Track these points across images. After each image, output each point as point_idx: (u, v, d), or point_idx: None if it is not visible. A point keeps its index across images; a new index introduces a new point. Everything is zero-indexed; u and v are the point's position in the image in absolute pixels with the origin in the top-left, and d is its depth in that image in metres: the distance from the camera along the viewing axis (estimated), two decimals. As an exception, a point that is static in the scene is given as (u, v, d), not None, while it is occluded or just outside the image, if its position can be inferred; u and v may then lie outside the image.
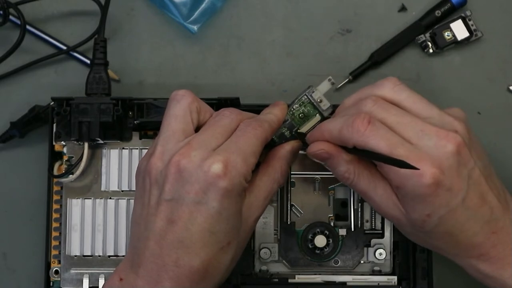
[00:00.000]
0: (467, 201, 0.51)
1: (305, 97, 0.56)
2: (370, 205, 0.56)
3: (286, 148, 0.56)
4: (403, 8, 0.67)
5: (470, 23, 0.66)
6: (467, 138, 0.51)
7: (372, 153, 0.50)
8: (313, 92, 0.56)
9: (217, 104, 0.59)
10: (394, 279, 0.61)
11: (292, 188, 0.62)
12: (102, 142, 0.60)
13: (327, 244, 0.61)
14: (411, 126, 0.51)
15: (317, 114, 0.56)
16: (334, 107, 0.57)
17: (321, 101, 0.56)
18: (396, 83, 0.53)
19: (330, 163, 0.54)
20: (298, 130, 0.56)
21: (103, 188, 0.61)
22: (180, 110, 0.53)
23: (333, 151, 0.53)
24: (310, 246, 0.61)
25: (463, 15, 0.66)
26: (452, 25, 0.66)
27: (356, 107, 0.53)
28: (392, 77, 0.53)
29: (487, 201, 0.52)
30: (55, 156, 0.61)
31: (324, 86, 0.56)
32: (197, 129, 0.53)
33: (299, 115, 0.56)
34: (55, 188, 0.61)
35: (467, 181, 0.51)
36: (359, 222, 0.61)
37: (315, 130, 0.55)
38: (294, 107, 0.56)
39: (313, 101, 0.56)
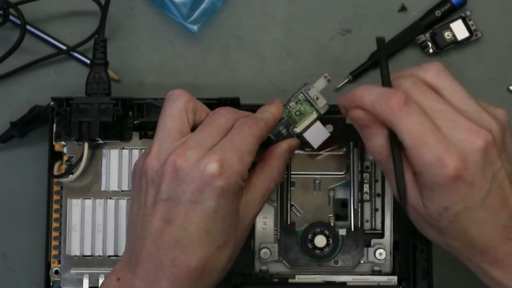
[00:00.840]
0: (487, 201, 0.49)
1: (301, 94, 0.56)
2: (392, 187, 0.53)
3: (283, 146, 0.56)
4: (403, 8, 0.67)
5: (470, 23, 0.66)
6: (499, 139, 0.50)
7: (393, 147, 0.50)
8: (309, 89, 0.56)
9: (217, 104, 0.59)
10: (394, 279, 0.61)
11: (292, 188, 0.62)
12: (102, 142, 0.60)
13: (327, 244, 0.61)
14: (444, 115, 0.49)
15: (314, 112, 0.56)
16: (331, 106, 0.57)
17: (317, 98, 0.56)
18: (441, 69, 0.51)
19: (367, 133, 0.51)
20: (294, 128, 0.56)
21: (103, 188, 0.61)
22: (176, 110, 0.53)
23: (375, 121, 0.50)
24: (310, 246, 0.61)
25: (463, 15, 0.66)
26: (452, 25, 0.66)
27: (397, 81, 0.51)
28: (438, 62, 0.52)
29: (508, 205, 0.50)
30: (55, 156, 0.61)
31: (320, 83, 0.56)
32: (193, 128, 0.53)
33: (295, 112, 0.56)
34: (55, 188, 0.61)
35: (491, 181, 0.49)
36: (359, 222, 0.61)
37: (348, 94, 0.52)
38: (290, 105, 0.56)
39: (309, 98, 0.56)
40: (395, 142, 0.50)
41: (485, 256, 0.51)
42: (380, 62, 0.52)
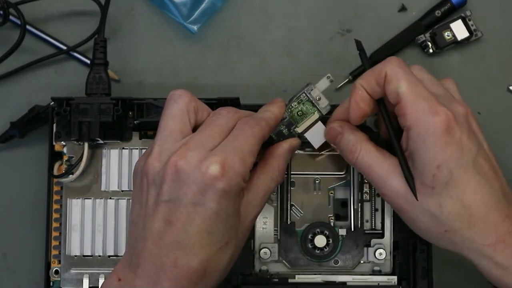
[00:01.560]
0: (478, 165, 0.51)
1: (304, 95, 0.56)
2: (372, 183, 0.55)
3: (284, 146, 0.56)
4: (403, 8, 0.67)
5: (470, 23, 0.66)
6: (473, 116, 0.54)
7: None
8: (311, 90, 0.56)
9: (217, 104, 0.59)
10: (394, 279, 0.61)
11: (292, 188, 0.62)
12: (102, 142, 0.60)
13: (327, 244, 0.61)
14: (429, 82, 0.53)
15: (316, 112, 0.56)
16: (333, 106, 0.57)
17: (319, 99, 0.56)
18: (401, 62, 0.54)
19: (340, 139, 0.55)
20: (296, 128, 0.56)
21: (103, 188, 0.61)
22: (177, 110, 0.53)
23: (345, 125, 0.55)
24: (310, 246, 0.61)
25: (463, 15, 0.66)
26: (452, 25, 0.66)
27: (379, 66, 0.54)
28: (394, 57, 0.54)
29: (498, 175, 0.52)
30: (55, 156, 0.61)
31: (323, 83, 0.56)
32: (195, 128, 0.53)
33: (297, 112, 0.56)
34: (55, 188, 0.61)
35: (477, 147, 0.52)
36: (359, 222, 0.61)
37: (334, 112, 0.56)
38: (292, 105, 0.56)
39: (311, 99, 0.56)
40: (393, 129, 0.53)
41: (487, 236, 0.51)
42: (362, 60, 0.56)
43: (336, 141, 0.56)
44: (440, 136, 0.50)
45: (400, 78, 0.52)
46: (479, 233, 0.51)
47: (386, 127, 0.54)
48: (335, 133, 0.56)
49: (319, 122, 0.57)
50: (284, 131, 0.56)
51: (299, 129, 0.56)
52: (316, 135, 0.57)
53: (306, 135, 0.57)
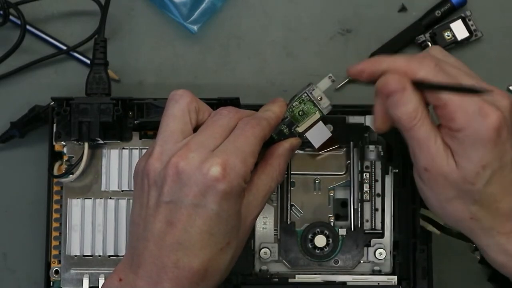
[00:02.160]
0: None
1: (305, 94, 0.56)
2: (417, 157, 0.52)
3: (285, 146, 0.56)
4: (403, 8, 0.67)
5: (470, 23, 0.66)
6: None
7: (442, 85, 0.50)
8: (313, 90, 0.56)
9: (217, 104, 0.59)
10: (394, 279, 0.61)
11: (292, 188, 0.62)
12: (102, 142, 0.60)
13: (327, 244, 0.61)
14: (470, 77, 0.51)
15: (317, 112, 0.56)
16: (334, 107, 0.57)
17: (321, 99, 0.56)
18: (441, 49, 0.54)
19: (398, 99, 0.51)
20: (297, 128, 0.56)
21: (103, 188, 0.61)
22: (179, 110, 0.53)
23: (406, 84, 0.51)
24: (310, 246, 0.61)
25: (463, 15, 0.66)
26: (452, 25, 0.66)
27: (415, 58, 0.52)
28: (435, 46, 0.54)
29: None
30: (55, 156, 0.61)
31: (325, 83, 0.56)
32: (196, 129, 0.53)
33: (298, 112, 0.56)
34: (55, 188, 0.61)
35: None
36: (359, 222, 0.61)
37: (367, 63, 0.53)
38: (293, 105, 0.56)
39: (313, 99, 0.56)
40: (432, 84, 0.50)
41: (504, 224, 0.52)
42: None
43: (392, 98, 0.51)
44: (491, 138, 0.50)
45: (441, 74, 0.50)
46: (500, 223, 0.52)
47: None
48: (392, 89, 0.51)
49: (320, 122, 0.56)
50: (285, 130, 0.56)
51: (300, 129, 0.56)
52: (316, 135, 0.57)
53: (307, 134, 0.57)
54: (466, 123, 0.50)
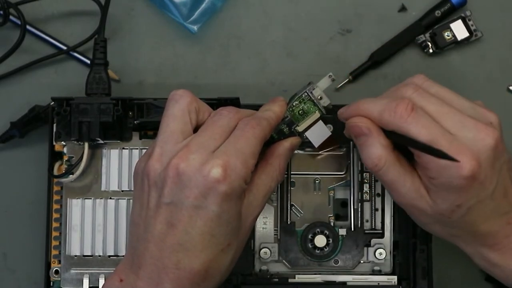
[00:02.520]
0: (494, 194, 0.51)
1: (306, 94, 0.56)
2: (391, 195, 0.55)
3: (285, 145, 0.56)
4: (403, 8, 0.67)
5: (470, 23, 0.66)
6: (500, 130, 0.52)
7: (413, 140, 0.50)
8: (313, 89, 0.56)
9: (217, 104, 0.59)
10: (394, 279, 0.61)
11: (292, 188, 0.62)
12: (102, 142, 0.60)
13: (327, 244, 0.61)
14: (450, 117, 0.51)
15: (317, 111, 0.56)
16: (334, 106, 0.57)
17: (321, 98, 0.56)
18: (425, 79, 0.53)
19: (364, 142, 0.52)
20: (297, 127, 0.56)
21: (103, 188, 0.61)
22: (179, 111, 0.53)
23: (373, 129, 0.52)
24: (310, 246, 0.61)
25: (463, 15, 0.66)
26: (452, 25, 0.66)
27: (397, 92, 0.52)
28: (419, 74, 0.54)
29: (508, 194, 0.52)
30: (55, 156, 0.61)
31: (325, 82, 0.56)
32: (196, 129, 0.53)
33: (298, 111, 0.56)
34: (55, 188, 0.61)
35: (498, 175, 0.51)
36: (359, 222, 0.61)
37: (351, 106, 0.53)
38: (293, 104, 0.56)
39: (313, 98, 0.56)
40: (402, 136, 0.50)
41: (486, 241, 0.53)
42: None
43: (358, 142, 0.53)
44: (464, 185, 0.50)
45: (409, 129, 0.50)
46: (480, 239, 0.53)
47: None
48: (358, 132, 0.52)
49: (320, 121, 0.57)
50: (285, 130, 0.56)
51: (300, 128, 0.56)
52: (316, 134, 0.57)
53: (307, 134, 0.57)
54: (439, 173, 0.50)
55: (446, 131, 0.50)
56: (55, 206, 0.61)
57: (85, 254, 0.60)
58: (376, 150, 0.52)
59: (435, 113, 0.51)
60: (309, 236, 0.61)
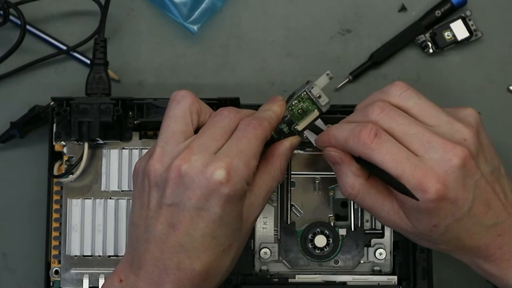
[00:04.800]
0: (473, 210, 0.51)
1: (304, 92, 0.56)
2: (375, 218, 0.57)
3: (286, 145, 0.56)
4: (403, 8, 0.67)
5: (470, 23, 0.66)
6: (475, 146, 0.51)
7: (376, 168, 0.50)
8: (312, 88, 0.56)
9: (217, 104, 0.59)
10: (394, 279, 0.61)
11: (292, 188, 0.62)
12: (102, 142, 0.60)
13: (327, 244, 0.61)
14: (417, 138, 0.50)
15: (316, 110, 0.56)
16: (332, 106, 0.57)
17: (319, 96, 0.56)
18: (403, 89, 0.52)
19: (338, 171, 0.54)
20: (296, 126, 0.56)
21: (103, 188, 0.61)
22: (180, 111, 0.53)
23: (345, 159, 0.53)
24: (310, 246, 0.61)
25: (463, 15, 0.66)
26: (452, 25, 0.66)
27: (363, 114, 0.52)
28: (399, 82, 0.53)
29: (491, 207, 0.52)
30: (55, 156, 0.61)
31: (322, 81, 0.56)
32: (197, 130, 0.53)
33: (297, 110, 0.56)
34: (55, 188, 0.61)
35: (473, 191, 0.51)
36: (359, 222, 0.61)
37: (323, 134, 0.55)
38: (293, 103, 0.56)
39: (312, 96, 0.56)
40: (367, 163, 0.51)
41: (478, 253, 0.53)
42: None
43: (334, 170, 0.54)
44: (434, 207, 0.50)
45: (372, 156, 0.50)
46: (470, 252, 0.53)
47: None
48: (332, 161, 0.54)
49: (319, 120, 0.57)
50: (284, 129, 0.56)
51: (299, 127, 0.56)
52: (316, 133, 0.57)
53: (306, 132, 0.57)
54: (405, 198, 0.50)
55: (411, 154, 0.50)
56: (55, 206, 0.61)
57: (85, 254, 0.60)
58: (348, 180, 0.53)
59: (402, 135, 0.51)
60: (309, 236, 0.61)
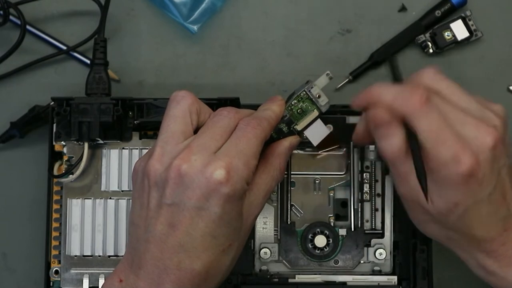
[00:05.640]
0: (492, 196, 0.51)
1: (304, 92, 0.56)
2: (397, 187, 0.54)
3: (285, 144, 0.56)
4: (403, 8, 0.67)
5: (470, 23, 0.66)
6: (503, 134, 0.51)
7: (416, 147, 0.50)
8: (311, 87, 0.56)
9: (217, 104, 0.59)
10: (394, 279, 0.61)
11: (292, 188, 0.62)
12: (102, 142, 0.60)
13: (327, 244, 0.61)
14: (453, 115, 0.50)
15: (315, 110, 0.56)
16: (332, 106, 0.57)
17: (319, 96, 0.56)
18: (436, 72, 0.53)
19: (384, 132, 0.52)
20: (296, 126, 0.56)
21: (103, 188, 0.61)
22: (180, 111, 0.53)
23: (395, 121, 0.51)
24: (310, 246, 0.61)
25: (463, 15, 0.66)
26: (452, 25, 0.66)
27: (413, 79, 0.52)
28: (430, 66, 0.53)
29: (506, 199, 0.52)
30: (55, 156, 0.61)
31: (322, 81, 0.56)
32: (196, 130, 0.53)
33: (297, 110, 0.56)
34: (55, 188, 0.61)
35: (496, 177, 0.51)
36: (359, 222, 0.61)
37: (365, 92, 0.52)
38: (292, 103, 0.56)
39: (311, 96, 0.56)
40: (414, 139, 0.50)
41: (482, 246, 0.53)
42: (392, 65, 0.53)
43: (377, 132, 0.52)
44: (462, 182, 0.50)
45: (419, 120, 0.50)
46: (476, 245, 0.53)
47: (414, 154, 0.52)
48: (379, 122, 0.51)
49: (319, 120, 0.57)
50: (284, 129, 0.56)
51: (299, 127, 0.56)
52: (315, 132, 0.57)
53: (306, 132, 0.57)
54: (438, 167, 0.50)
55: (453, 126, 0.50)
56: (55, 206, 0.61)
57: (85, 254, 0.60)
58: (398, 141, 0.51)
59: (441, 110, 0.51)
60: (309, 236, 0.61)
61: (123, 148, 0.61)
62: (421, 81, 0.52)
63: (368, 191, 0.61)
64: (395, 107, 0.50)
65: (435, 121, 0.50)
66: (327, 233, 0.61)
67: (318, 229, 0.61)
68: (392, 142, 0.51)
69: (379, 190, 0.62)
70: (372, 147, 0.61)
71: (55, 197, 0.61)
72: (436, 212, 0.52)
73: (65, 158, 0.61)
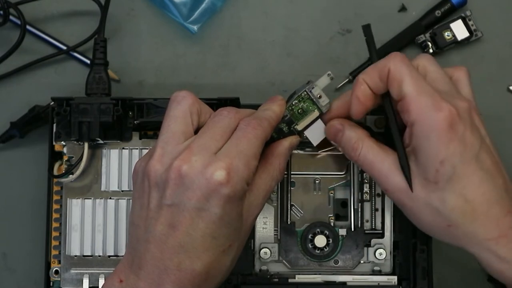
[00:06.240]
0: (481, 160, 0.51)
1: (305, 92, 0.56)
2: (374, 179, 0.56)
3: (285, 144, 0.56)
4: (403, 8, 0.67)
5: (470, 23, 0.66)
6: (476, 110, 0.54)
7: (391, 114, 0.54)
8: (312, 88, 0.56)
9: (217, 104, 0.59)
10: (394, 279, 0.61)
11: (292, 188, 0.62)
12: (102, 142, 0.60)
13: (327, 244, 0.61)
14: (436, 79, 0.53)
15: (316, 110, 0.56)
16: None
17: (320, 96, 0.56)
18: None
19: (341, 137, 0.55)
20: (296, 126, 0.56)
21: (103, 188, 0.61)
22: (180, 112, 0.53)
23: (345, 123, 0.55)
24: (310, 246, 0.61)
25: (463, 15, 0.66)
26: (452, 25, 0.66)
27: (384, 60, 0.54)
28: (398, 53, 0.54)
29: (501, 171, 0.52)
30: (55, 156, 0.61)
31: (324, 81, 0.56)
32: (197, 130, 0.53)
33: (298, 110, 0.56)
34: (55, 188, 0.61)
35: (480, 141, 0.52)
36: (359, 222, 0.61)
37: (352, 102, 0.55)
38: (293, 103, 0.56)
39: (312, 97, 0.56)
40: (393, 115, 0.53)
41: (490, 230, 0.51)
42: (368, 43, 0.56)
43: (337, 139, 0.56)
44: (444, 131, 0.50)
45: (404, 74, 0.52)
46: (482, 227, 0.52)
47: (389, 122, 0.54)
48: (335, 130, 0.56)
49: (319, 120, 0.57)
50: (284, 129, 0.56)
51: (299, 127, 0.56)
52: (315, 133, 0.57)
53: (306, 132, 0.57)
54: (419, 115, 0.51)
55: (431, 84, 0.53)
56: (55, 206, 0.61)
57: (85, 254, 0.60)
58: (352, 138, 0.55)
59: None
60: (309, 236, 0.61)
61: (123, 148, 0.61)
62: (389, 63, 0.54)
63: (368, 191, 0.61)
64: (380, 66, 0.53)
65: (417, 74, 0.52)
66: (327, 233, 0.61)
67: (318, 229, 0.61)
68: (349, 137, 0.55)
69: (379, 190, 0.62)
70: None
71: (55, 197, 0.61)
72: (423, 180, 0.52)
73: (65, 158, 0.61)
